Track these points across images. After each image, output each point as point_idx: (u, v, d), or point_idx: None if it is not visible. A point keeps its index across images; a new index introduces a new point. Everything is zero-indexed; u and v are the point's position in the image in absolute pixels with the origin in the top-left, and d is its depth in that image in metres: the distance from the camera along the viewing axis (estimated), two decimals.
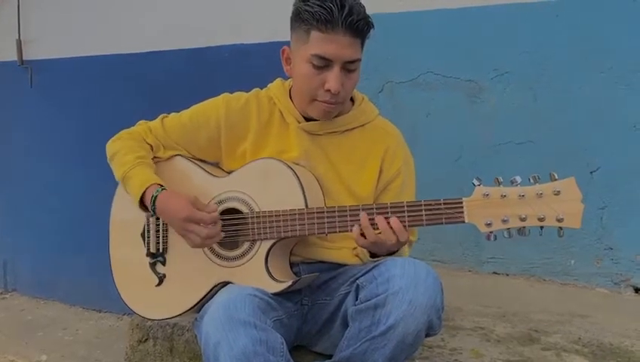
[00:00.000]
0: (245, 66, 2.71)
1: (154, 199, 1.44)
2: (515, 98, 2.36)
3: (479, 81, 2.41)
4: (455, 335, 1.75)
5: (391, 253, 1.38)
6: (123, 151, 1.52)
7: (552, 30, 2.28)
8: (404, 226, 1.29)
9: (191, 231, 1.39)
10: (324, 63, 1.37)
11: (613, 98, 2.21)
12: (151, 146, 1.56)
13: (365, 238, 1.32)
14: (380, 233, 1.30)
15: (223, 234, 1.41)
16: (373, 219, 1.31)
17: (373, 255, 1.42)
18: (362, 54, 1.41)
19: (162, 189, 1.45)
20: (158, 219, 1.52)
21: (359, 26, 1.35)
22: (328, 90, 1.38)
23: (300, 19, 1.38)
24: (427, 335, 1.30)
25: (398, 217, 1.29)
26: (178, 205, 1.40)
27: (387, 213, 1.30)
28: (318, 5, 1.34)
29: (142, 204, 1.48)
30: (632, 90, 2.18)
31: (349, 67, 1.39)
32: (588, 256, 2.28)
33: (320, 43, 1.36)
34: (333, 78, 1.37)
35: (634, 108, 2.18)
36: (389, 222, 1.29)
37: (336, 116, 1.49)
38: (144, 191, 1.45)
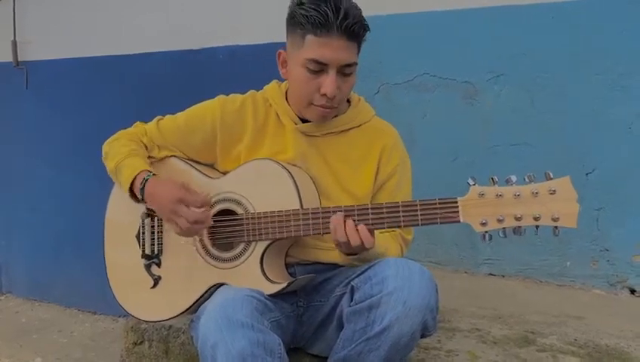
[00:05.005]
0: (240, 68, 2.71)
1: (144, 183, 1.44)
2: (511, 100, 2.36)
3: (475, 82, 2.41)
4: (451, 336, 1.75)
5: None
6: (117, 147, 1.53)
7: (547, 32, 2.28)
8: (371, 232, 1.30)
9: (180, 216, 1.37)
10: (319, 68, 1.36)
11: (608, 99, 2.21)
12: (145, 146, 1.56)
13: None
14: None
15: (211, 222, 1.41)
16: (369, 220, 1.30)
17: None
18: (358, 57, 1.41)
19: (153, 175, 1.45)
20: (153, 220, 1.52)
21: (355, 30, 1.34)
22: (324, 95, 1.38)
23: (295, 22, 1.37)
24: (422, 336, 1.29)
25: (394, 217, 1.29)
26: (169, 188, 1.40)
27: (382, 212, 1.30)
28: (313, 9, 1.32)
29: (132, 192, 1.48)
30: (627, 91, 2.19)
31: (345, 71, 1.38)
32: (584, 257, 2.28)
33: (315, 47, 1.35)
34: (329, 83, 1.36)
35: (629, 109, 2.19)
36: (356, 226, 1.29)
37: (333, 117, 1.49)
38: (134, 177, 1.46)
